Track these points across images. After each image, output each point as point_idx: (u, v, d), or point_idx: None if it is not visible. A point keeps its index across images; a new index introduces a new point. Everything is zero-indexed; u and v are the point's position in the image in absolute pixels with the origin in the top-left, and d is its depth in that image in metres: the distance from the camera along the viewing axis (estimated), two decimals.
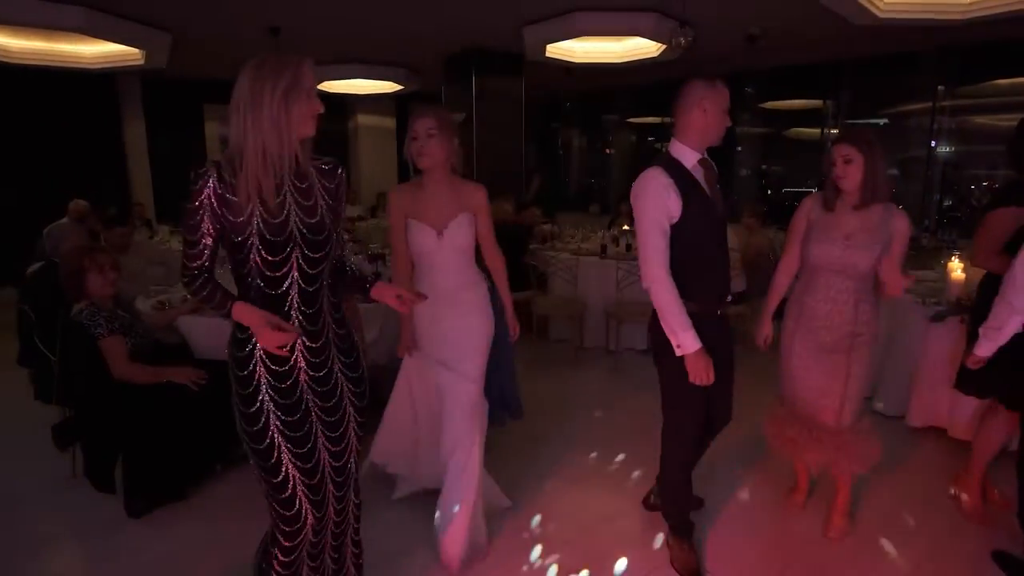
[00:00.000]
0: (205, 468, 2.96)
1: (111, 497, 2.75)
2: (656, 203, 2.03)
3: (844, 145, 2.29)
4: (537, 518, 2.69)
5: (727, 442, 2.46)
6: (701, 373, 2.04)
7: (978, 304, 2.63)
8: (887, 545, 2.49)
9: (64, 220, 5.61)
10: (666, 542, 2.43)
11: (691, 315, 2.05)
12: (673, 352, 2.08)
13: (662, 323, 2.07)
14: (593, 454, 3.28)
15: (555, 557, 2.42)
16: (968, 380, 2.57)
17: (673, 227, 2.05)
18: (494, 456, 3.22)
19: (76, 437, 2.91)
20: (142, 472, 2.73)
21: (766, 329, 2.62)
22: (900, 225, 2.32)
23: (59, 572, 2.42)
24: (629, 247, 5.38)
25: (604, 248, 5.34)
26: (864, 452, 2.44)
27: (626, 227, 6.24)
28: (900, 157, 7.26)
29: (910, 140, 7.18)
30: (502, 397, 3.15)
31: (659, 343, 2.17)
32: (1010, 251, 2.42)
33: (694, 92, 2.07)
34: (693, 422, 2.23)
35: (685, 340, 2.02)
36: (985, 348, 2.22)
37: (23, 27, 5.16)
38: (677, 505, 2.37)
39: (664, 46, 5.93)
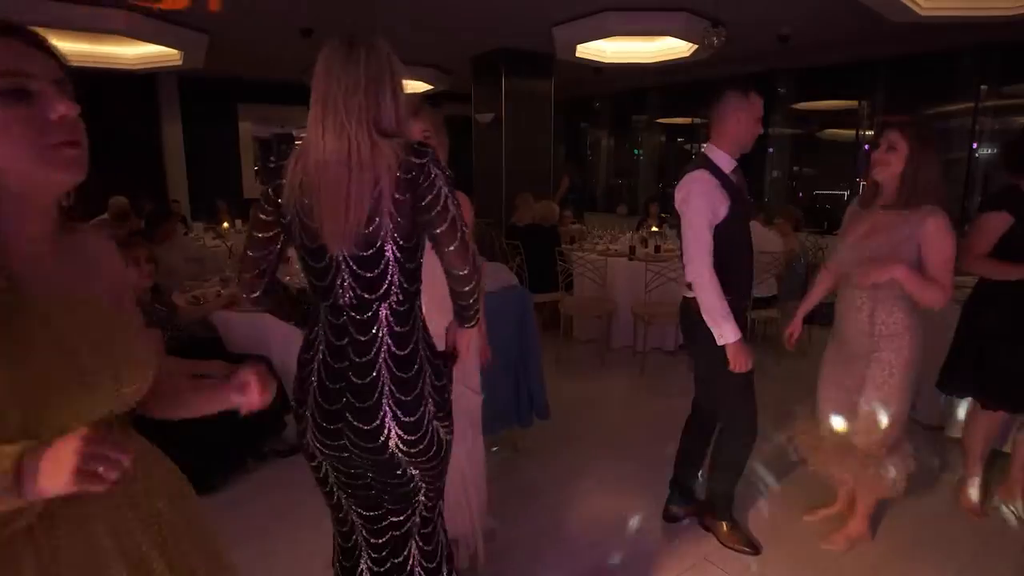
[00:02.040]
0: (237, 463, 3.02)
1: None
2: (707, 202, 2.11)
3: (893, 130, 2.09)
4: (564, 519, 2.68)
5: (757, 450, 2.43)
6: (743, 361, 2.14)
7: (971, 304, 2.63)
8: (919, 559, 2.43)
9: (104, 216, 5.78)
10: (726, 532, 2.46)
11: None
12: (720, 347, 2.18)
13: (705, 315, 2.14)
14: (620, 455, 3.26)
15: (584, 558, 2.42)
16: (947, 380, 2.66)
17: (717, 227, 2.13)
18: (521, 456, 3.24)
19: None
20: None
21: (792, 327, 2.51)
22: (930, 227, 2.01)
23: None
24: (658, 249, 5.35)
25: (633, 250, 5.31)
26: (874, 480, 2.26)
27: (655, 228, 6.19)
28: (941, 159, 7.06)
29: (950, 141, 6.98)
30: (530, 397, 3.15)
31: (699, 342, 2.25)
32: (1001, 255, 2.41)
33: (729, 103, 2.18)
34: (751, 403, 2.32)
35: (727, 330, 2.12)
36: None
37: (71, 31, 5.34)
38: (732, 492, 2.47)
39: (695, 46, 5.87)
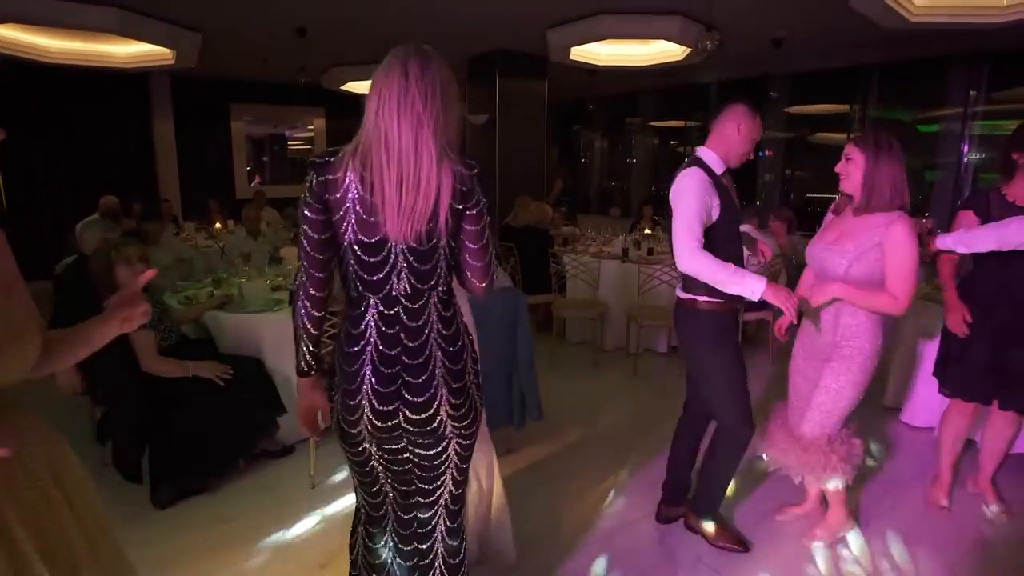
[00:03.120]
0: (229, 462, 3.00)
1: (138, 487, 2.81)
2: (700, 197, 2.12)
3: (849, 143, 2.22)
4: (556, 520, 2.68)
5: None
6: (784, 298, 2.02)
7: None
8: (911, 555, 2.44)
9: (95, 216, 5.73)
10: (714, 532, 2.48)
11: (718, 313, 2.21)
12: (726, 347, 2.25)
13: (724, 287, 2.07)
14: (613, 456, 3.27)
15: (576, 560, 2.42)
16: (945, 381, 2.69)
17: (709, 229, 2.14)
18: (514, 458, 3.23)
19: (111, 429, 2.97)
20: (167, 464, 2.78)
21: (783, 319, 2.44)
22: (893, 232, 2.08)
23: None
24: (651, 251, 5.36)
25: (626, 252, 5.33)
26: (819, 462, 2.28)
27: (648, 231, 6.21)
28: (932, 163, 7.13)
29: (940, 146, 7.05)
30: (523, 399, 3.15)
31: (707, 343, 2.28)
32: (975, 256, 2.49)
33: (735, 112, 2.22)
34: (746, 402, 2.32)
35: (753, 285, 2.02)
36: (944, 243, 2.38)
37: (61, 28, 5.30)
38: (724, 493, 2.48)
39: (689, 49, 5.90)
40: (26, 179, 7.86)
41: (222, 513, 2.73)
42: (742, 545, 2.45)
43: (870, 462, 3.17)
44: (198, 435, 2.80)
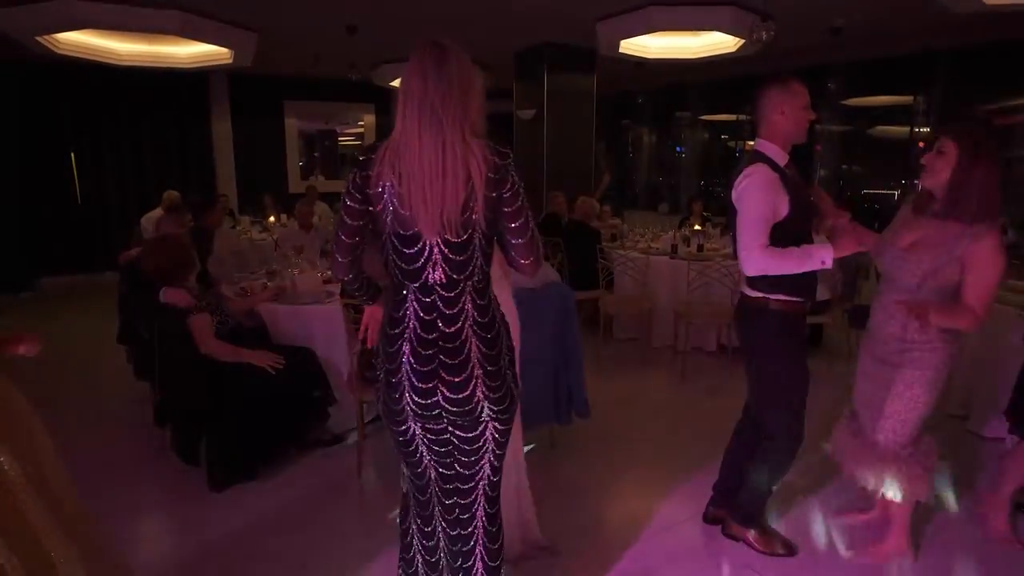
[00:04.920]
0: (281, 449, 3.09)
1: (196, 471, 2.92)
2: (767, 197, 2.03)
3: (945, 136, 2.01)
4: (601, 519, 2.66)
5: (800, 455, 2.35)
6: (856, 241, 2.00)
7: None
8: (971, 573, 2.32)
9: (158, 210, 5.98)
10: (755, 539, 2.41)
11: (787, 313, 2.14)
12: (791, 352, 2.19)
13: (800, 268, 2.01)
14: (659, 455, 3.22)
15: (620, 559, 2.39)
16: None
17: (779, 225, 2.05)
18: (559, 455, 3.22)
19: (170, 414, 3.10)
20: (222, 449, 2.88)
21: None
22: (978, 250, 1.93)
23: (145, 539, 2.58)
24: (701, 247, 5.25)
25: (675, 248, 5.23)
26: (902, 480, 2.17)
27: (698, 227, 6.08)
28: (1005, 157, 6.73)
29: (1014, 138, 6.65)
30: (569, 395, 3.13)
31: (771, 345, 2.20)
32: None
33: (771, 98, 2.12)
34: (801, 413, 2.26)
35: (820, 253, 1.98)
36: None
37: (130, 32, 5.54)
38: (766, 499, 2.41)
39: (742, 40, 5.74)
40: (96, 176, 8.28)
41: (273, 498, 2.81)
42: (788, 549, 2.38)
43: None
44: (252, 422, 2.89)
